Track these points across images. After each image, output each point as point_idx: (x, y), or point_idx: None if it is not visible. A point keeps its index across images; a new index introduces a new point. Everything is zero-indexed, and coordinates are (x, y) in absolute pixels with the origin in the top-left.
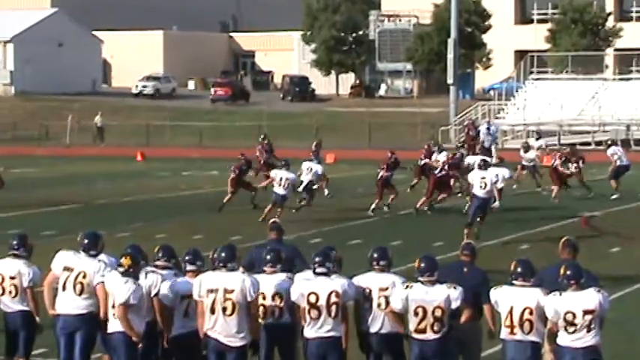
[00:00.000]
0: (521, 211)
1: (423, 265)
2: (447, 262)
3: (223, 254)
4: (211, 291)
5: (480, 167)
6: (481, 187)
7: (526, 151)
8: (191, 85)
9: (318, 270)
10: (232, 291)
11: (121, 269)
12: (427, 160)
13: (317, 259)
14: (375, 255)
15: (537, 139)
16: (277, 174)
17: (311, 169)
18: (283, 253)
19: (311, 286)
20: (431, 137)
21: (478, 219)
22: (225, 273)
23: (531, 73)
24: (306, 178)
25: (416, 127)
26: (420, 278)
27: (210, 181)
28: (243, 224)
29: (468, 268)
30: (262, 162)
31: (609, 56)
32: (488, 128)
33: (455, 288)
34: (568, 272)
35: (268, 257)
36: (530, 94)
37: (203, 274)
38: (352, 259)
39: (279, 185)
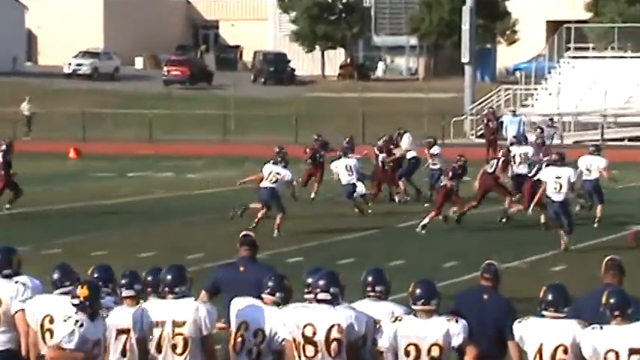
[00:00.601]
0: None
1: (417, 290)
2: (465, 289)
3: (169, 276)
4: (157, 324)
5: (554, 163)
6: (556, 188)
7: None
8: (139, 63)
9: (320, 296)
10: (183, 323)
11: (75, 301)
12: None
13: (320, 282)
14: (370, 279)
15: (543, 130)
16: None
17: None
18: (287, 280)
19: (309, 315)
20: (441, 129)
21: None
22: (173, 301)
23: (567, 49)
24: (346, 179)
25: (422, 117)
26: (415, 307)
27: (163, 185)
28: (206, 238)
29: (489, 294)
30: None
31: None
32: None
33: (457, 321)
34: (611, 300)
35: (270, 283)
36: (566, 76)
37: (147, 302)
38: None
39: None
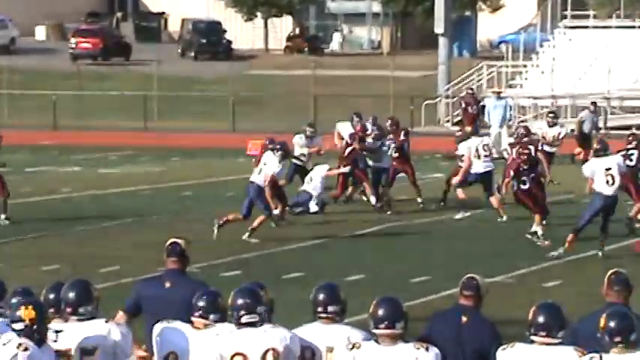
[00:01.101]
0: (551, 228)
1: (380, 311)
2: (441, 310)
3: (71, 294)
4: (61, 354)
5: (597, 153)
6: (608, 182)
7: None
8: (40, 33)
9: (245, 319)
10: (93, 350)
11: (19, 326)
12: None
13: (240, 301)
14: (322, 297)
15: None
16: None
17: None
18: (221, 298)
19: (235, 342)
20: (410, 114)
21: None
22: (79, 324)
23: (563, 17)
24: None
25: (387, 100)
26: (376, 332)
27: (71, 182)
28: (124, 247)
29: (469, 316)
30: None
31: None
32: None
33: (427, 349)
34: (611, 324)
35: (200, 303)
36: (562, 50)
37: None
38: (287, 302)
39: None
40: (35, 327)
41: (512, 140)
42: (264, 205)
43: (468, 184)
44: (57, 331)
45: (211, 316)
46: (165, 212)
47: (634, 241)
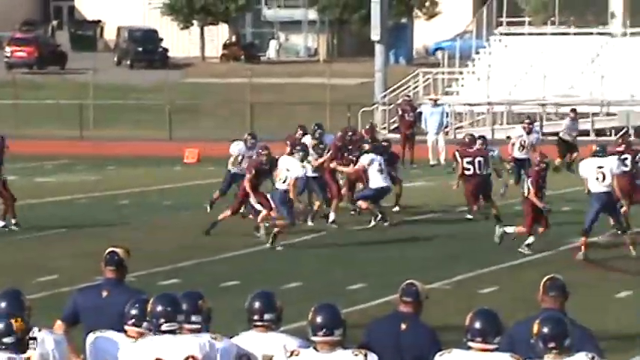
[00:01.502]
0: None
1: (318, 318)
2: (381, 316)
3: (3, 304)
4: None
5: (596, 154)
6: (598, 179)
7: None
8: None
9: (165, 327)
10: (26, 359)
11: (10, 340)
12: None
13: (159, 308)
14: (257, 305)
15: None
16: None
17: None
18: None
19: (153, 348)
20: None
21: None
22: None
23: (499, 24)
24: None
25: (324, 107)
26: (314, 339)
27: None
28: (61, 256)
29: (409, 322)
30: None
31: None
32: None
33: (366, 356)
34: (544, 329)
35: (133, 311)
36: (497, 56)
37: None
38: (225, 310)
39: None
40: (26, 339)
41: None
42: (288, 212)
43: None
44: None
45: (144, 324)
46: (102, 221)
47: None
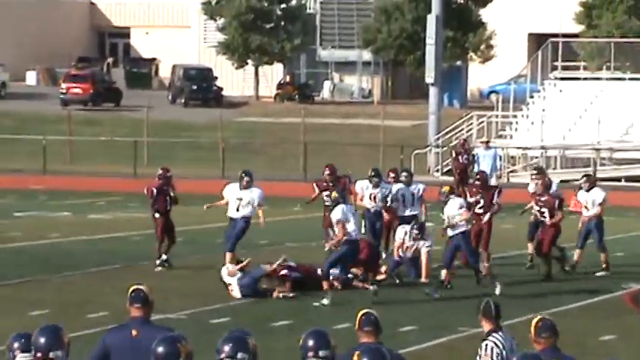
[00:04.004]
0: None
1: (310, 342)
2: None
3: (42, 339)
4: None
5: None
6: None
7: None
8: (31, 78)
9: None
10: None
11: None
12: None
13: (225, 347)
14: (311, 342)
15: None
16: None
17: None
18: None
19: None
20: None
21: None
22: None
23: (554, 69)
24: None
25: (377, 148)
26: None
27: (60, 227)
28: (112, 293)
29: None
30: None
31: None
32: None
33: None
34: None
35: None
36: (552, 101)
37: None
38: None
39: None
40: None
41: None
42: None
43: None
44: None
45: None
46: (154, 258)
47: (626, 293)
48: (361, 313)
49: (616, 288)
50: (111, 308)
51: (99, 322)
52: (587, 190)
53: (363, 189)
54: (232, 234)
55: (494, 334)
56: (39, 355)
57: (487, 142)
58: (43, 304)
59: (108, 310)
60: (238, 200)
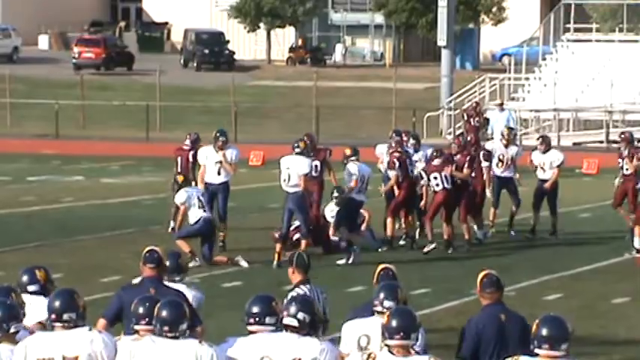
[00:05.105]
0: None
1: (394, 322)
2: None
3: (57, 302)
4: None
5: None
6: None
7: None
8: (43, 42)
9: (287, 321)
10: (75, 358)
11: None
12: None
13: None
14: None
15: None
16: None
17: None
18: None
19: (266, 346)
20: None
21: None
22: (61, 332)
23: (566, 31)
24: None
25: (389, 111)
26: (389, 342)
27: (73, 192)
28: (126, 257)
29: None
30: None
31: None
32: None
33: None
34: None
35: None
36: (564, 63)
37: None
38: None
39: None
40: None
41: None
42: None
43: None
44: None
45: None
46: (167, 222)
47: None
48: (482, 274)
49: (628, 251)
50: (124, 272)
51: (113, 285)
52: (544, 152)
53: (383, 153)
54: (222, 206)
55: (301, 286)
56: (53, 316)
57: (501, 103)
58: (57, 268)
59: (121, 274)
60: (218, 164)
